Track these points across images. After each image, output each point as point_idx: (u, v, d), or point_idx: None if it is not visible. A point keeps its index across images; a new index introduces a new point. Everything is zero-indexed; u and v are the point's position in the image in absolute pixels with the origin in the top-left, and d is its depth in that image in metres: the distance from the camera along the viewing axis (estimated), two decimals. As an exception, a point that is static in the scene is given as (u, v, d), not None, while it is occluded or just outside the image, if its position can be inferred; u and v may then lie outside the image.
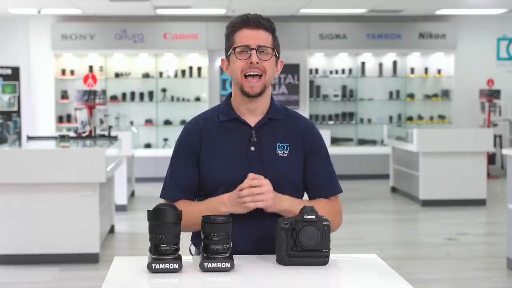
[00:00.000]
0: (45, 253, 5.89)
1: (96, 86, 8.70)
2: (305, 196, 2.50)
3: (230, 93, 2.47)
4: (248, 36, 2.33)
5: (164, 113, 11.95)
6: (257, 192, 2.23)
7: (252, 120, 2.40)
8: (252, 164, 2.34)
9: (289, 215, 2.27)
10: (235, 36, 2.35)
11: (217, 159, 2.36)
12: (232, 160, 2.35)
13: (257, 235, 2.34)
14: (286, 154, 2.38)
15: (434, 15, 12.07)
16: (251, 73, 2.32)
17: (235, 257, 2.15)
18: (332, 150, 10.30)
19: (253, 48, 2.31)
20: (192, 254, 2.49)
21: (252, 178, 2.25)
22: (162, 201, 2.42)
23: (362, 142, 12.23)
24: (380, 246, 6.70)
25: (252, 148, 2.36)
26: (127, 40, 11.58)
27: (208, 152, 2.38)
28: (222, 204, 2.28)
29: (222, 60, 2.45)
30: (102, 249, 6.29)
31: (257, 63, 2.31)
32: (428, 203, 8.83)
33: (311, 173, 2.42)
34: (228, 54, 2.38)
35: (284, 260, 2.16)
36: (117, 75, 11.86)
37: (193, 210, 2.30)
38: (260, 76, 2.33)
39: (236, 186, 2.28)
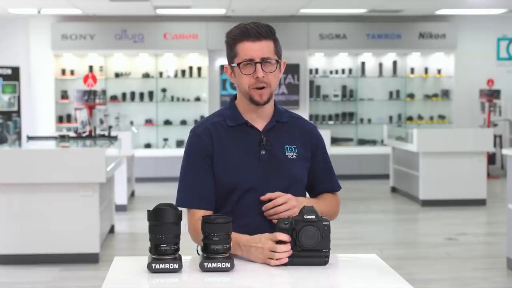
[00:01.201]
0: (45, 253, 5.89)
1: (96, 86, 8.70)
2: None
3: (234, 96, 2.48)
4: (250, 49, 2.33)
5: (164, 113, 11.95)
6: (283, 209, 2.30)
7: (260, 124, 2.43)
8: (265, 168, 2.37)
9: None
10: (237, 48, 2.35)
11: (229, 163, 2.38)
12: (245, 164, 2.37)
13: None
14: (295, 156, 2.43)
15: (434, 15, 12.07)
16: (258, 86, 2.35)
17: (235, 257, 2.15)
18: (332, 150, 10.32)
19: (258, 62, 2.32)
20: (199, 254, 2.50)
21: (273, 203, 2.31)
22: (164, 201, 2.41)
23: (362, 142, 12.23)
24: (380, 246, 6.70)
25: (263, 152, 2.40)
26: (127, 40, 11.58)
27: (220, 156, 2.39)
28: (237, 246, 2.22)
29: (225, 67, 2.45)
30: (102, 249, 6.29)
31: (263, 76, 2.33)
32: (428, 203, 8.83)
33: (315, 171, 2.50)
34: (232, 65, 2.39)
35: (284, 260, 2.17)
36: (117, 75, 11.86)
37: None
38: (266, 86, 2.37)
39: (251, 190, 2.33)
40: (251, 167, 2.37)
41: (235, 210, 2.37)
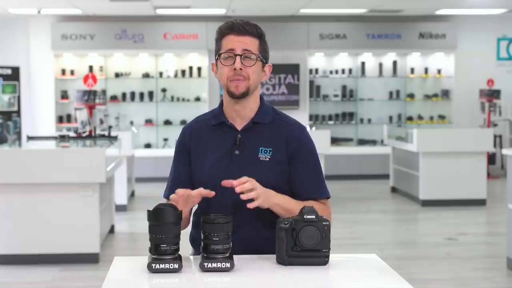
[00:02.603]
0: (45, 253, 5.89)
1: (96, 86, 8.70)
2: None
3: None
4: (233, 41, 2.37)
5: (164, 113, 11.96)
6: (248, 187, 2.23)
7: (240, 124, 2.44)
8: (234, 168, 2.37)
9: (282, 211, 2.31)
10: (222, 41, 2.39)
11: (203, 160, 2.42)
12: (217, 162, 2.40)
13: (244, 242, 2.36)
14: (267, 159, 2.40)
15: (434, 15, 12.07)
16: (235, 80, 2.36)
17: (235, 257, 2.15)
18: (332, 150, 10.31)
19: (238, 54, 2.35)
20: (192, 247, 2.51)
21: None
22: (164, 200, 2.43)
23: (362, 142, 12.23)
24: (380, 246, 6.70)
25: (237, 152, 2.40)
26: (127, 40, 11.58)
27: (195, 153, 2.45)
28: None
29: (212, 63, 2.48)
30: (102, 249, 6.29)
31: (241, 69, 2.35)
32: (428, 203, 8.83)
33: (297, 176, 2.43)
34: (216, 59, 2.43)
35: (284, 260, 2.17)
36: (117, 75, 11.86)
37: None
38: (244, 79, 2.37)
39: (216, 187, 2.29)
40: (222, 166, 2.38)
41: (209, 206, 2.39)
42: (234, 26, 2.37)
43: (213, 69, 2.47)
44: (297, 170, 2.42)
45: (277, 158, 2.40)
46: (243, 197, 2.23)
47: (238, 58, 2.34)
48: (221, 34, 2.40)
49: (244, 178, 2.25)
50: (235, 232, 2.24)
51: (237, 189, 2.23)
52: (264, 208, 2.30)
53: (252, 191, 2.24)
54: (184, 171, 2.45)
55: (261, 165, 2.38)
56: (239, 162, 2.38)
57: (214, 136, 2.44)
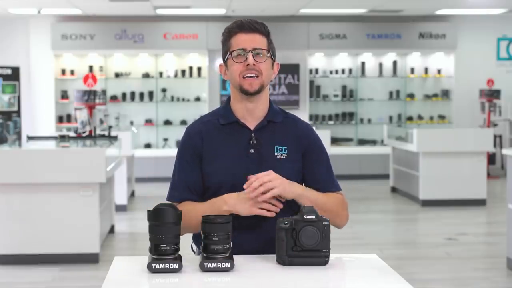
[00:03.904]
0: (45, 253, 5.89)
1: (96, 86, 8.70)
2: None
3: (229, 97, 2.51)
4: (243, 40, 2.39)
5: (164, 113, 11.95)
6: (267, 179, 2.27)
7: (252, 123, 2.44)
8: (251, 166, 2.37)
9: (306, 201, 2.32)
10: (231, 40, 2.41)
11: (218, 161, 2.40)
12: (233, 162, 2.39)
13: (259, 238, 2.37)
14: (284, 156, 2.42)
15: (434, 15, 12.08)
16: (249, 75, 2.37)
17: (235, 257, 2.15)
18: (332, 150, 10.32)
19: (249, 51, 2.37)
20: (193, 252, 2.52)
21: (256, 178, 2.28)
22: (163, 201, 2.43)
23: (362, 142, 12.23)
24: (380, 246, 6.70)
25: (252, 151, 2.40)
26: (127, 40, 11.58)
27: (209, 155, 2.42)
28: (223, 202, 2.31)
29: (220, 65, 2.49)
30: (102, 249, 6.29)
31: (254, 64, 2.36)
32: (428, 203, 8.83)
33: (310, 172, 2.46)
34: (225, 59, 2.43)
35: (284, 260, 2.17)
36: (117, 75, 11.86)
37: (197, 210, 2.31)
38: (257, 76, 2.38)
39: (236, 187, 2.32)
40: (238, 165, 2.38)
41: None
42: (243, 25, 2.39)
43: (221, 70, 2.48)
44: (313, 167, 2.46)
45: (292, 156, 2.43)
46: (261, 189, 2.26)
47: (250, 54, 2.37)
48: (230, 33, 2.42)
49: (267, 172, 2.29)
50: (256, 229, 2.29)
51: (255, 183, 2.26)
52: (288, 198, 2.32)
53: (270, 182, 2.27)
54: (195, 172, 2.42)
55: (279, 163, 2.40)
56: (257, 161, 2.39)
57: (225, 136, 2.43)
